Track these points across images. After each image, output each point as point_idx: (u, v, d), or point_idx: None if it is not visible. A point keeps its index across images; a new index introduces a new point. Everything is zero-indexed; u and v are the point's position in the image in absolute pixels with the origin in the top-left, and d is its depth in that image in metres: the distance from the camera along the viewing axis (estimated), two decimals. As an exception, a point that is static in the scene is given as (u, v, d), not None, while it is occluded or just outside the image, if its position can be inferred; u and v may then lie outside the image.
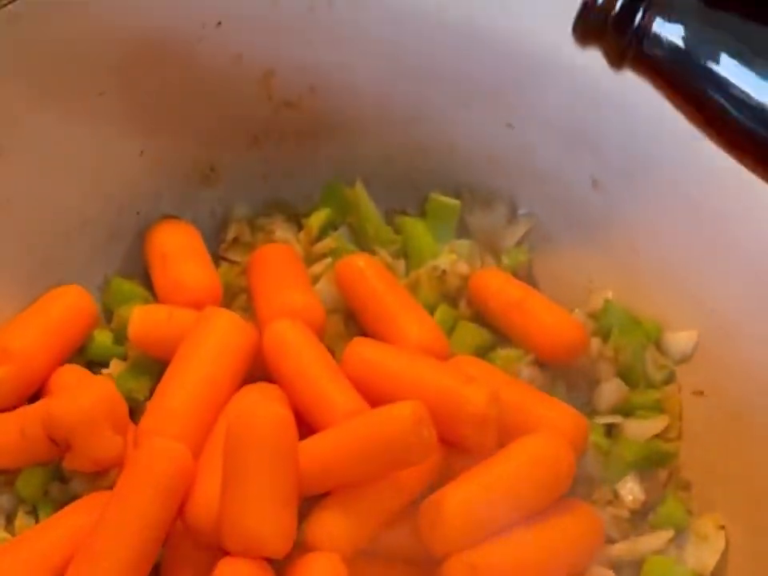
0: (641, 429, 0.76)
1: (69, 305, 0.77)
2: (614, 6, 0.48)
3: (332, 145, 0.87)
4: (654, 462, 0.74)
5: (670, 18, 0.47)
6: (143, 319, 0.75)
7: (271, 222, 0.86)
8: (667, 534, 0.71)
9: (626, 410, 0.77)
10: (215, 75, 0.82)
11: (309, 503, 0.65)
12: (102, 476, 0.69)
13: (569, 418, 0.72)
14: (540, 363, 0.77)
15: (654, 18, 0.47)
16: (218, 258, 0.84)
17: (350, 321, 0.79)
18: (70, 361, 0.76)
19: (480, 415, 0.67)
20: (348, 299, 0.79)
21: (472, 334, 0.78)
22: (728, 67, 0.46)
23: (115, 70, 0.78)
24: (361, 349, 0.73)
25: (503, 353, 0.78)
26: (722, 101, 0.46)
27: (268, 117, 0.86)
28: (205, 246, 0.82)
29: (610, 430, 0.76)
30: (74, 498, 0.69)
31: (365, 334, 0.77)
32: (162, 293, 0.79)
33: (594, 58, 0.76)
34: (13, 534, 0.70)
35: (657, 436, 0.76)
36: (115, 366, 0.77)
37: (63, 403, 0.68)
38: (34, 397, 0.74)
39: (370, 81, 0.85)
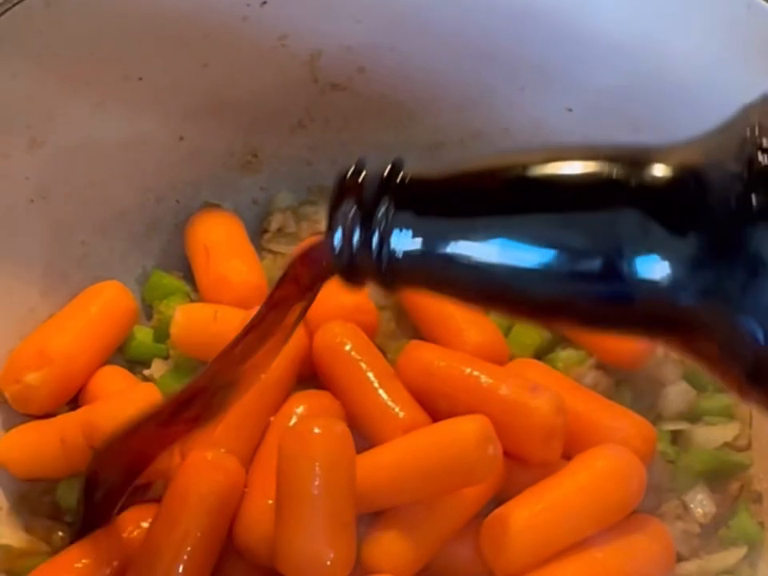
0: (710, 436, 0.72)
1: (108, 302, 0.74)
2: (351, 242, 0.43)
3: (380, 129, 0.83)
4: (724, 473, 0.71)
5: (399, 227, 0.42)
6: (187, 319, 0.71)
7: (316, 211, 0.82)
8: (740, 550, 0.68)
9: (694, 416, 0.73)
10: (259, 56, 0.78)
11: (367, 522, 0.62)
12: (146, 488, 0.66)
13: (636, 427, 0.69)
14: (603, 367, 0.73)
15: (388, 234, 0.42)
16: (260, 250, 0.80)
17: (402, 318, 0.75)
18: (110, 360, 0.73)
19: (546, 426, 0.65)
20: (401, 298, 0.75)
21: (531, 334, 0.74)
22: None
23: (153, 53, 0.74)
24: (418, 353, 0.70)
25: (564, 354, 0.74)
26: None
27: (313, 100, 0.82)
28: (248, 238, 0.78)
29: (677, 438, 0.72)
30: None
31: (418, 334, 0.73)
32: (205, 289, 0.75)
33: (657, 41, 0.74)
34: (53, 546, 0.66)
35: (727, 444, 0.72)
36: (157, 367, 0.73)
37: (105, 411, 0.65)
38: (75, 399, 0.71)
39: (422, 62, 0.80)
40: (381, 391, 0.66)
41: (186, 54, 0.75)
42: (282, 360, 0.67)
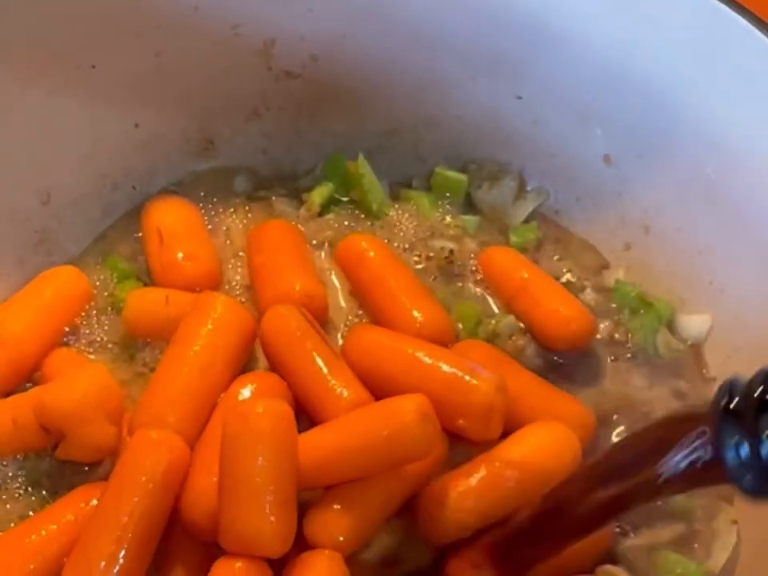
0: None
1: (62, 286, 0.75)
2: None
3: (335, 116, 0.84)
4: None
5: None
6: (139, 303, 0.73)
7: (271, 197, 0.83)
8: (679, 527, 0.69)
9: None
10: (212, 45, 0.79)
11: (308, 499, 0.63)
12: (95, 466, 0.67)
13: (576, 411, 0.70)
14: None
15: None
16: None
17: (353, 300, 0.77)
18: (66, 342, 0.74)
19: (485, 405, 0.66)
20: (350, 281, 0.76)
21: (472, 305, 0.77)
22: None
23: (106, 42, 0.75)
24: (362, 335, 0.71)
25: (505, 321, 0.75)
26: None
27: (268, 88, 0.83)
28: (204, 224, 0.79)
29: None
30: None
31: (368, 315, 0.75)
32: (158, 273, 0.77)
33: (605, 31, 0.75)
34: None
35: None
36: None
37: (56, 392, 0.66)
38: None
39: (374, 50, 0.82)
40: (325, 372, 0.67)
41: (138, 43, 0.77)
42: (229, 341, 0.69)
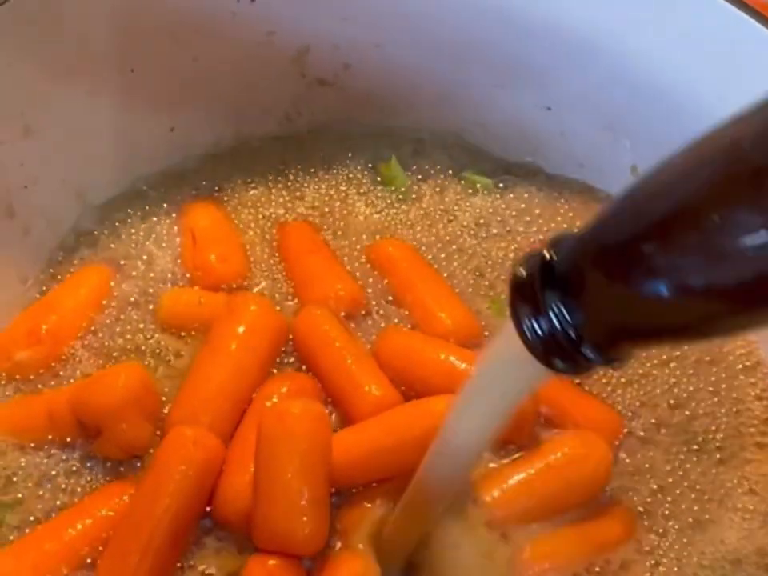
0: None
1: (96, 285, 0.76)
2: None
3: (364, 124, 0.86)
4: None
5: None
6: (173, 303, 0.74)
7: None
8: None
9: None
10: (247, 51, 0.80)
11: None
12: (131, 462, 0.68)
13: (604, 414, 0.72)
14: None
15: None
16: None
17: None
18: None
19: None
20: (382, 283, 0.78)
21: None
22: None
23: (145, 46, 0.76)
24: (394, 338, 0.72)
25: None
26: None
27: (300, 94, 0.84)
28: (236, 227, 0.81)
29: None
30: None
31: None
32: (191, 273, 0.78)
33: (634, 41, 0.76)
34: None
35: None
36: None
37: (95, 388, 0.67)
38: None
39: (405, 59, 0.83)
40: (356, 371, 0.69)
41: (177, 47, 0.78)
42: (262, 341, 0.70)
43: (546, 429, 0.69)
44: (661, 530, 0.68)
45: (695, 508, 0.70)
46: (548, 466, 0.67)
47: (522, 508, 0.66)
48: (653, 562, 0.67)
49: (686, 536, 0.68)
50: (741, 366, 0.76)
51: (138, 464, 0.68)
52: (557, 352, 0.46)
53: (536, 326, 0.46)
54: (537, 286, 0.46)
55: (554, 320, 0.45)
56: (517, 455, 0.68)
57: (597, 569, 0.65)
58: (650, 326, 0.44)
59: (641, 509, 0.69)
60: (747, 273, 0.39)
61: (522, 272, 0.47)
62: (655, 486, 0.70)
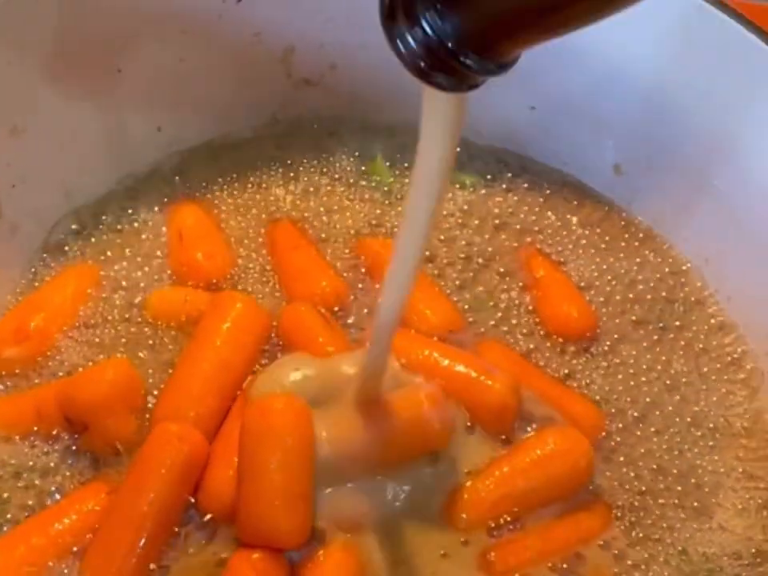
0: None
1: (84, 282, 0.77)
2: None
3: (351, 124, 0.86)
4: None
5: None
6: (160, 302, 0.75)
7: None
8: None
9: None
10: (234, 52, 0.81)
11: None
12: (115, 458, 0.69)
13: (586, 409, 0.72)
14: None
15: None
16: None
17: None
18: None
19: (501, 404, 0.68)
20: (367, 281, 0.79)
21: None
22: None
23: (132, 47, 0.77)
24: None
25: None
26: None
27: (287, 95, 0.85)
28: (221, 226, 0.81)
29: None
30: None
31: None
32: (177, 271, 0.78)
33: (618, 43, 0.77)
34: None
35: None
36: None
37: (82, 383, 0.68)
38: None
39: (391, 60, 0.82)
40: (339, 361, 0.69)
41: (164, 48, 0.79)
42: (247, 338, 0.71)
43: (528, 423, 0.70)
44: (651, 519, 0.69)
45: (689, 494, 0.71)
46: (530, 462, 0.67)
47: (504, 503, 0.66)
48: (647, 546, 0.68)
49: (679, 522, 0.69)
50: (729, 359, 0.78)
51: (123, 459, 0.68)
52: (435, 65, 0.45)
53: (410, 39, 0.45)
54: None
55: (427, 29, 0.44)
56: (502, 451, 0.69)
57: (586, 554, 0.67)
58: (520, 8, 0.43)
59: (633, 500, 0.70)
60: None
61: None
62: (647, 472, 0.71)
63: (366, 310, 0.76)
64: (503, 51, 0.45)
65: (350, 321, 0.76)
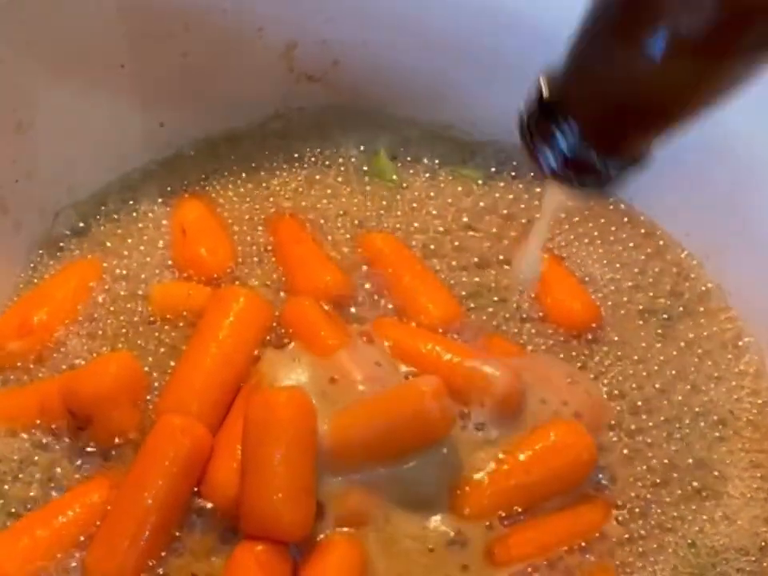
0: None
1: (87, 276, 0.77)
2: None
3: (353, 120, 0.86)
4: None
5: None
6: (163, 297, 0.76)
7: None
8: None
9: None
10: (237, 47, 0.82)
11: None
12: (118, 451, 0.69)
13: (589, 402, 0.72)
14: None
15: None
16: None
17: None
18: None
19: (502, 396, 0.68)
20: (370, 275, 0.79)
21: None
22: None
23: (136, 42, 0.77)
24: (384, 330, 0.73)
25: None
26: None
27: (289, 90, 0.85)
28: (224, 222, 0.82)
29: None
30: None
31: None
32: (180, 266, 0.79)
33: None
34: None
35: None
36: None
37: (85, 377, 0.68)
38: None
39: (393, 56, 0.84)
40: (341, 354, 0.69)
41: (167, 43, 0.79)
42: (250, 332, 0.71)
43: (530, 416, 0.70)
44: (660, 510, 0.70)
45: (695, 485, 0.71)
46: (532, 455, 0.68)
47: (506, 496, 0.67)
48: (651, 539, 0.68)
49: (685, 513, 0.70)
50: (733, 351, 0.78)
51: (126, 453, 0.68)
52: (577, 172, 0.50)
53: (549, 154, 0.50)
54: (538, 119, 0.50)
55: (562, 142, 0.49)
56: (504, 444, 0.69)
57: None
58: (642, 104, 0.47)
59: (637, 492, 0.70)
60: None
61: (524, 115, 0.51)
62: (653, 464, 0.71)
63: (367, 304, 0.76)
64: (634, 145, 0.50)
65: (351, 315, 0.76)
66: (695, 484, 0.71)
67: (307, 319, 0.72)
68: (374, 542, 0.65)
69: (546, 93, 0.50)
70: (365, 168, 0.86)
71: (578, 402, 0.71)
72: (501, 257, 0.81)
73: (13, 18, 0.71)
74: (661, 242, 0.83)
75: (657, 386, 0.75)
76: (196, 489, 0.65)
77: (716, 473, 0.72)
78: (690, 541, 0.68)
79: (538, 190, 0.85)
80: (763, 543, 0.69)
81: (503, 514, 0.66)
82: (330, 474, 0.65)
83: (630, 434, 0.73)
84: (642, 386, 0.75)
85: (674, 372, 0.76)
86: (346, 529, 0.64)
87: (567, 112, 0.49)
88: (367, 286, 0.78)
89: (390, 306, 0.76)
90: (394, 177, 0.86)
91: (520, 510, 0.67)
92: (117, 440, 0.68)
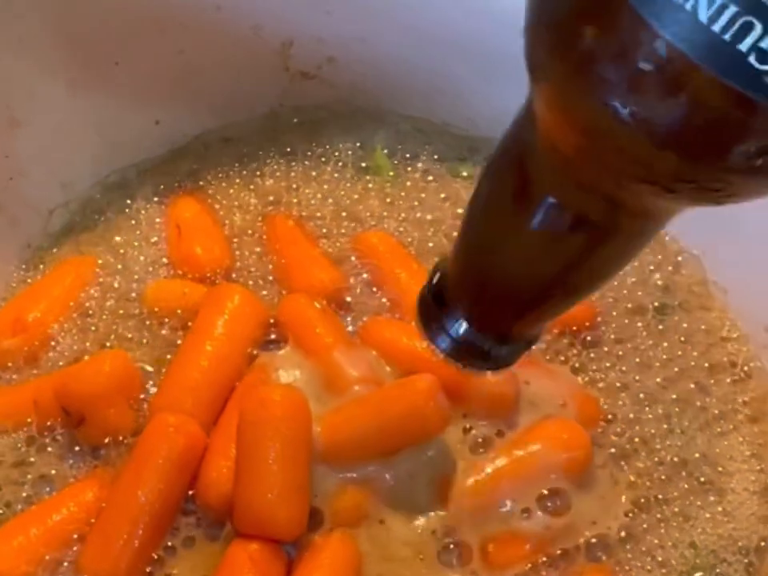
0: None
1: (82, 274, 0.77)
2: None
3: (349, 118, 0.86)
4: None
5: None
6: (157, 294, 0.75)
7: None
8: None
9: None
10: (232, 45, 0.81)
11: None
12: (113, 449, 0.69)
13: (582, 402, 0.72)
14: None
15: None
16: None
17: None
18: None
19: (497, 394, 0.69)
20: (365, 273, 0.79)
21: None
22: None
23: (130, 39, 0.77)
24: (377, 328, 0.73)
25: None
26: None
27: (285, 88, 0.85)
28: (220, 220, 0.81)
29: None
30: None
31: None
32: (175, 264, 0.79)
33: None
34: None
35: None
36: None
37: (80, 374, 0.68)
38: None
39: (390, 53, 0.84)
40: (336, 354, 0.70)
41: (161, 40, 0.79)
42: (245, 331, 0.71)
43: (525, 414, 0.70)
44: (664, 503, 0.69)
45: (696, 482, 0.71)
46: (527, 453, 0.67)
47: (501, 494, 0.66)
48: (649, 536, 0.68)
49: (686, 509, 0.69)
50: (729, 348, 0.78)
51: (120, 451, 0.68)
52: (468, 355, 0.51)
53: (442, 338, 0.51)
54: (431, 308, 0.51)
55: (452, 329, 0.50)
56: (499, 442, 0.69)
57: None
58: (527, 290, 0.48)
59: (638, 488, 0.70)
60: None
61: (421, 301, 0.52)
62: (656, 458, 0.71)
63: (362, 302, 0.76)
64: (522, 330, 0.50)
65: (347, 312, 0.75)
66: (696, 481, 0.71)
67: (303, 317, 0.72)
68: (368, 542, 0.64)
69: (435, 280, 0.51)
70: (361, 165, 0.85)
71: (573, 401, 0.71)
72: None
73: (6, 14, 0.71)
74: (655, 238, 0.82)
75: (656, 380, 0.75)
76: (190, 491, 0.65)
77: (720, 468, 0.71)
78: (691, 539, 0.68)
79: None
80: (763, 543, 0.68)
81: (499, 513, 0.66)
82: (324, 472, 0.65)
83: (628, 430, 0.72)
84: (639, 382, 0.75)
85: (671, 367, 0.76)
86: (340, 526, 0.64)
87: (455, 301, 0.50)
88: (363, 283, 0.77)
89: (386, 304, 0.76)
90: (391, 174, 0.85)
91: (517, 508, 0.66)
92: (111, 438, 0.68)
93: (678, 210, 0.42)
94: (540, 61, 0.39)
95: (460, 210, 0.83)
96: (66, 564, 0.63)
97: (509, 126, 0.45)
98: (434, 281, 0.51)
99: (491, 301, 0.49)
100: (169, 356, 0.72)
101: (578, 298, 0.48)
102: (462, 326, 0.50)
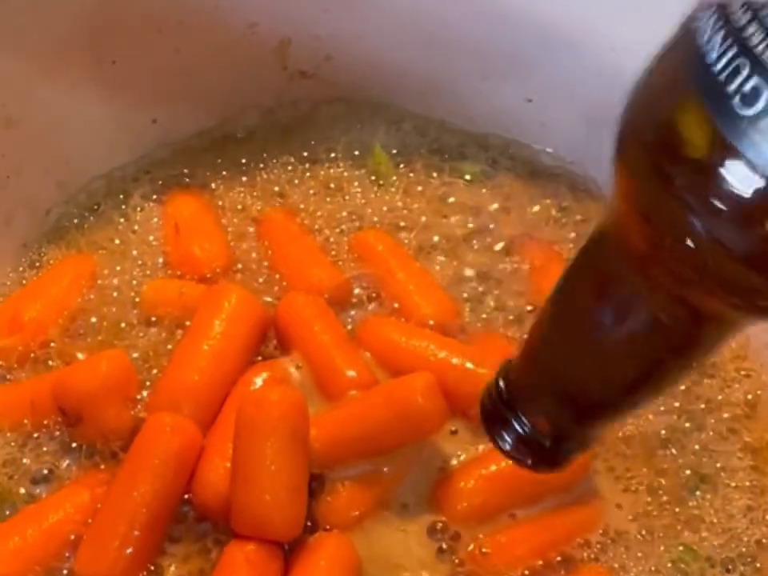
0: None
1: (79, 273, 0.77)
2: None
3: (347, 116, 0.86)
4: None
5: None
6: (155, 294, 0.75)
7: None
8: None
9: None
10: (230, 43, 0.81)
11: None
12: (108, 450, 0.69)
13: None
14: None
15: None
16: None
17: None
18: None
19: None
20: (363, 272, 0.79)
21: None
22: None
23: (127, 38, 0.77)
24: (377, 328, 0.73)
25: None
26: None
27: (282, 86, 0.85)
28: (218, 218, 0.81)
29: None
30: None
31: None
32: (173, 263, 0.79)
33: (619, 35, 0.77)
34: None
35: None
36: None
37: (77, 374, 0.68)
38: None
39: (388, 51, 0.84)
40: (334, 354, 0.69)
41: (159, 39, 0.79)
42: (242, 331, 0.70)
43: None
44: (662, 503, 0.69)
45: (693, 483, 0.71)
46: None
47: (497, 495, 0.66)
48: (644, 538, 0.68)
49: (681, 514, 0.69)
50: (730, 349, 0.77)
51: (117, 451, 0.68)
52: (531, 455, 0.52)
53: (506, 437, 0.52)
54: (497, 411, 0.52)
55: (516, 430, 0.51)
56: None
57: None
58: (596, 396, 0.49)
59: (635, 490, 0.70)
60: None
61: (486, 401, 0.54)
62: (655, 458, 0.71)
63: (361, 302, 0.76)
64: (588, 437, 0.52)
65: (346, 312, 0.75)
66: (694, 480, 0.70)
67: (301, 316, 0.72)
68: (364, 542, 0.64)
69: (502, 385, 0.52)
70: (360, 163, 0.85)
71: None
72: (496, 255, 0.81)
73: (1, 12, 0.71)
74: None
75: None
76: (187, 493, 0.65)
77: (718, 467, 0.71)
78: (690, 539, 0.68)
79: (541, 185, 0.85)
80: (764, 540, 0.68)
81: (495, 514, 0.66)
82: (321, 472, 0.65)
83: (626, 431, 0.72)
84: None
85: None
86: (336, 528, 0.64)
87: (522, 406, 0.51)
88: (361, 283, 0.77)
89: (384, 304, 0.76)
90: (390, 172, 0.85)
91: (512, 510, 0.66)
92: (107, 438, 0.68)
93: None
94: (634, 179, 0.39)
95: (459, 208, 0.83)
96: (63, 564, 0.63)
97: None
98: (500, 382, 0.53)
99: (564, 402, 0.49)
100: (166, 356, 0.72)
101: (645, 403, 0.49)
102: (527, 427, 0.51)
